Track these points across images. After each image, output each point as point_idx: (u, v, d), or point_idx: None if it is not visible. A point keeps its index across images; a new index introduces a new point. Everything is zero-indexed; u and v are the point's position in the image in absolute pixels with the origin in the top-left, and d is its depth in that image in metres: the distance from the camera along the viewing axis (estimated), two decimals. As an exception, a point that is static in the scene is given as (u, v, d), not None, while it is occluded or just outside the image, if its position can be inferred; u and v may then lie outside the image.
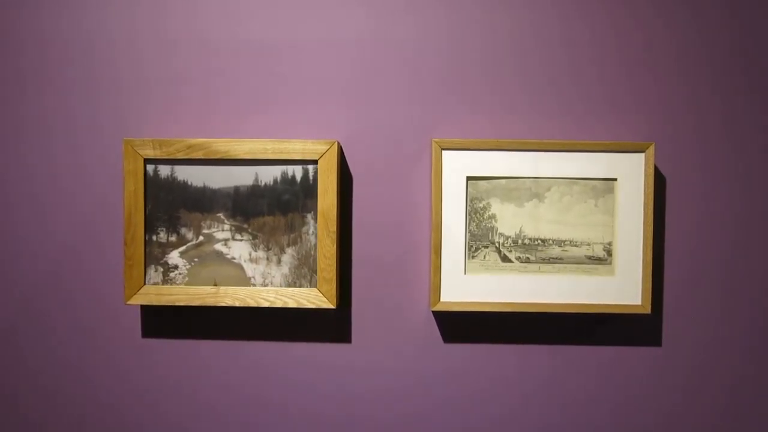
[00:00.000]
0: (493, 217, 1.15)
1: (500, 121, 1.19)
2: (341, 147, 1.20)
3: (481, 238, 1.16)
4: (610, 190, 1.15)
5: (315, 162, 1.15)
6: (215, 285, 1.17)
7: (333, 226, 1.14)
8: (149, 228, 1.17)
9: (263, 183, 1.16)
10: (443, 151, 1.15)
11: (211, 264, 1.18)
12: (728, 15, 1.18)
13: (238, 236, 1.18)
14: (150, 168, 1.16)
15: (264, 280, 1.17)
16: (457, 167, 1.15)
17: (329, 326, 1.22)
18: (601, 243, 1.15)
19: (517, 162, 1.15)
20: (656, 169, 1.19)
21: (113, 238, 1.22)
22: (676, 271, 1.20)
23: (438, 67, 1.19)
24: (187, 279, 1.17)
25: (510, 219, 1.15)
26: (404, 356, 1.22)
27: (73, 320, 1.23)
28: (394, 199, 1.20)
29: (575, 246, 1.15)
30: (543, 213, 1.15)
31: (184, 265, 1.18)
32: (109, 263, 1.22)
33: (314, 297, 1.15)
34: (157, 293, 1.16)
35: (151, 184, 1.16)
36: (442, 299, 1.16)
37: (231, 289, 1.16)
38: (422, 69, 1.19)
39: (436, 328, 1.21)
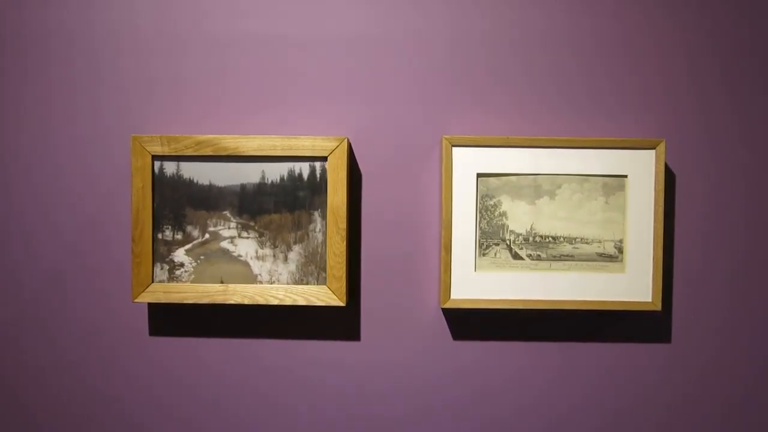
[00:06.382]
0: (503, 214, 1.15)
1: (510, 118, 1.19)
2: (350, 144, 1.19)
3: (492, 236, 1.15)
4: (621, 188, 1.15)
5: (324, 159, 1.14)
6: (222, 283, 1.16)
7: (343, 224, 1.14)
8: (155, 226, 1.16)
9: (270, 181, 1.16)
10: (453, 148, 1.14)
11: (217, 262, 1.17)
12: (737, 11, 1.18)
13: (244, 234, 1.17)
14: (156, 165, 1.15)
15: (271, 278, 1.16)
16: (468, 164, 1.14)
17: (338, 324, 1.21)
18: (611, 240, 1.15)
19: (528, 159, 1.14)
20: (666, 167, 1.19)
21: (120, 236, 1.21)
22: (686, 268, 1.20)
23: (448, 64, 1.19)
24: (193, 277, 1.16)
25: (521, 216, 1.15)
26: (414, 354, 1.21)
27: (80, 319, 1.22)
28: (403, 196, 1.20)
29: (586, 243, 1.15)
30: (554, 210, 1.15)
31: (190, 263, 1.17)
32: (115, 261, 1.21)
33: (324, 294, 1.15)
34: (165, 291, 1.15)
35: (157, 181, 1.15)
36: (452, 297, 1.15)
37: (240, 287, 1.15)
38: (432, 65, 1.19)
39: (446, 325, 1.21)
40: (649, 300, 1.15)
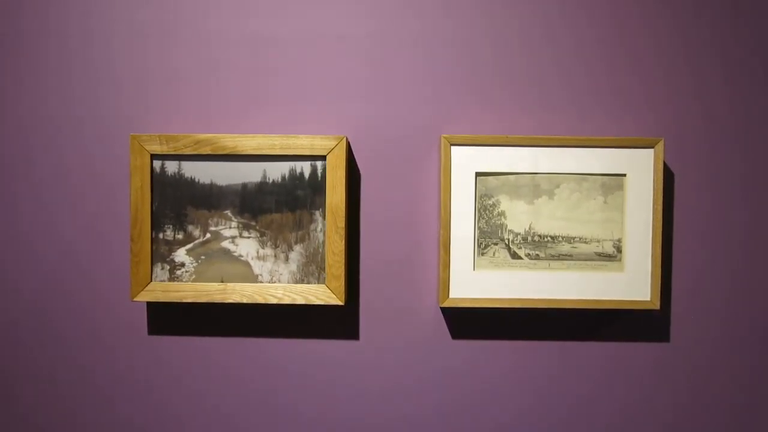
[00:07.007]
0: (502, 213, 1.15)
1: (509, 117, 1.19)
2: (349, 143, 1.19)
3: (490, 235, 1.15)
4: (620, 187, 1.15)
5: (323, 158, 1.14)
6: (222, 282, 1.17)
7: (341, 222, 1.14)
8: (155, 225, 1.16)
9: (271, 180, 1.16)
10: (452, 147, 1.14)
11: (218, 262, 1.17)
12: (737, 11, 1.18)
13: (245, 234, 1.17)
14: (156, 165, 1.16)
15: (271, 278, 1.17)
16: (466, 163, 1.15)
17: (337, 323, 1.22)
18: (610, 239, 1.15)
19: (527, 158, 1.14)
20: (665, 165, 1.19)
21: (119, 235, 1.21)
22: (684, 267, 1.20)
23: (447, 63, 1.19)
24: (193, 277, 1.17)
25: (519, 216, 1.15)
26: (412, 353, 1.21)
27: (79, 318, 1.22)
28: (402, 195, 1.20)
29: (585, 243, 1.15)
30: (552, 210, 1.15)
31: (191, 263, 1.17)
32: (114, 260, 1.21)
33: (323, 294, 1.15)
34: (163, 290, 1.16)
35: (158, 181, 1.16)
36: (450, 296, 1.15)
37: (239, 286, 1.15)
38: (431, 64, 1.19)
39: (445, 324, 1.21)
40: (648, 299, 1.15)
